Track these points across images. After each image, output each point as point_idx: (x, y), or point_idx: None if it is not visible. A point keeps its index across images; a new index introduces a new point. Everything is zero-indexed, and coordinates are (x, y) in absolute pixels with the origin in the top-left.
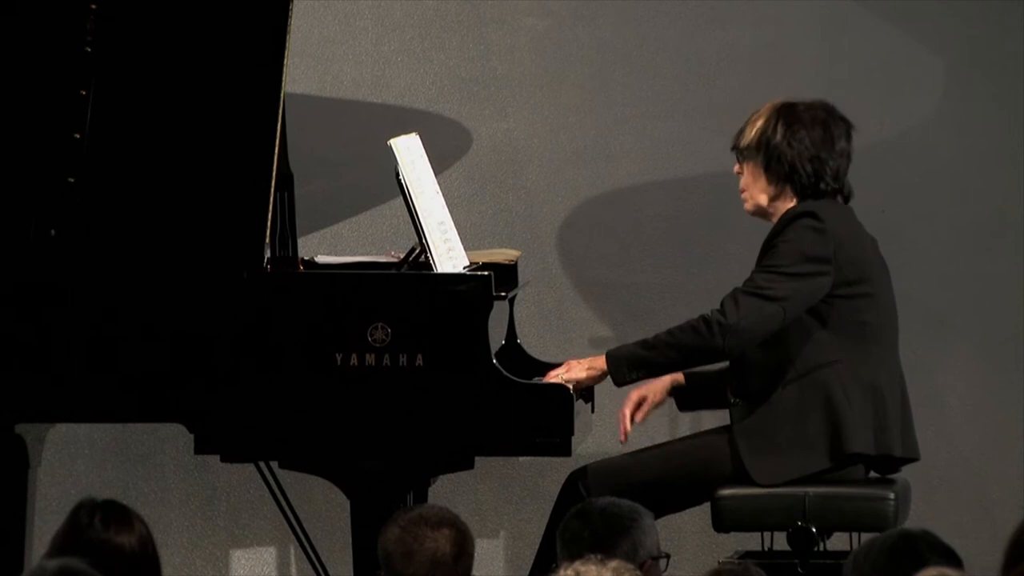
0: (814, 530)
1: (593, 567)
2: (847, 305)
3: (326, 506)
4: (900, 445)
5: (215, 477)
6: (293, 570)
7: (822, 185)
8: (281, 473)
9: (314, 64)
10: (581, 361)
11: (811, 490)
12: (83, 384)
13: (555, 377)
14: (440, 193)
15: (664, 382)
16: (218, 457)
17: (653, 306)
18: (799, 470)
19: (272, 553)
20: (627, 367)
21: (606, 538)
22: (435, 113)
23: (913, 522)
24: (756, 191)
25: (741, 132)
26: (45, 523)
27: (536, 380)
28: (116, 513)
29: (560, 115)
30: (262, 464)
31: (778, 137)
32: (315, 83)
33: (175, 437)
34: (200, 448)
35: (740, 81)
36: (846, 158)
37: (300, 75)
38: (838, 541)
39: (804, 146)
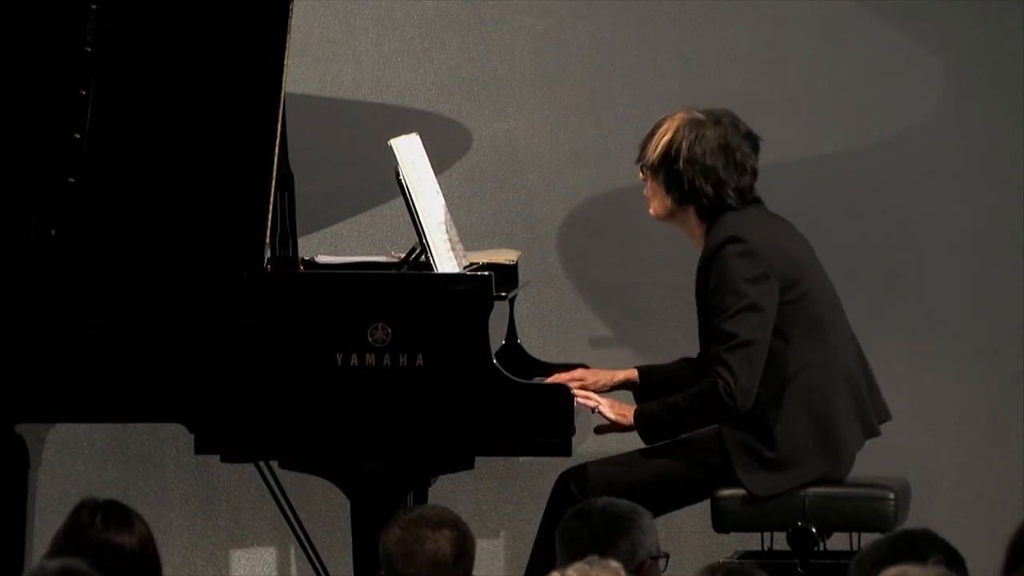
0: (814, 530)
1: (589, 568)
2: (794, 309)
3: (326, 506)
4: (877, 417)
5: (215, 477)
6: (293, 570)
7: (725, 203)
8: (281, 473)
9: (314, 64)
10: (621, 405)
11: (811, 490)
12: (83, 384)
13: (589, 399)
14: (440, 193)
15: (611, 377)
16: (218, 457)
17: (653, 306)
18: (797, 480)
19: (272, 553)
20: (650, 429)
21: (605, 538)
22: (435, 113)
23: (913, 522)
24: (658, 204)
25: (646, 143)
26: (45, 523)
27: (536, 380)
28: (117, 513)
29: (560, 115)
30: (262, 464)
31: (680, 162)
32: (315, 83)
33: (175, 437)
34: (200, 448)
35: (740, 81)
36: (751, 175)
37: (300, 75)
38: (838, 541)
39: (705, 169)
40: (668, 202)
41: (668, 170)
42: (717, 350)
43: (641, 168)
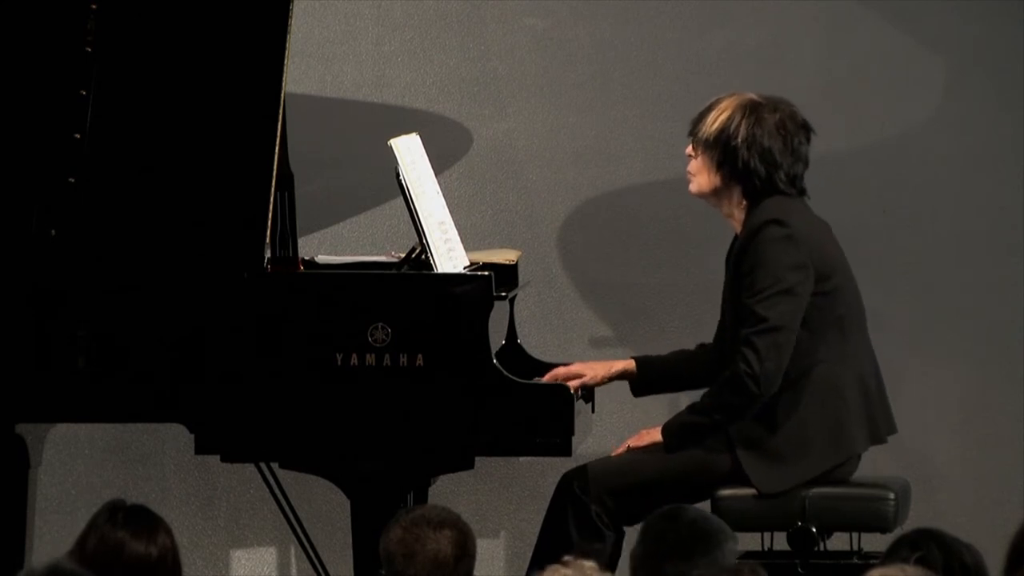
0: (814, 530)
1: (571, 570)
2: (823, 303)
3: (326, 506)
4: (884, 426)
5: (215, 477)
6: (293, 570)
7: (776, 186)
8: (281, 473)
9: (315, 64)
10: (648, 432)
11: (811, 490)
12: (83, 384)
13: (624, 446)
14: (440, 193)
15: (608, 368)
16: (218, 457)
17: (653, 306)
18: (802, 476)
19: (272, 553)
20: (677, 436)
21: (695, 547)
22: (435, 113)
23: (913, 522)
24: (703, 180)
25: (701, 118)
26: (45, 523)
27: (536, 380)
28: (140, 518)
29: (560, 115)
30: (262, 464)
31: (738, 139)
32: (316, 83)
33: (175, 437)
34: (200, 448)
35: (741, 81)
36: (803, 164)
37: (301, 75)
38: (838, 541)
39: (762, 151)
40: (716, 179)
41: (725, 147)
42: (746, 332)
43: (692, 143)
